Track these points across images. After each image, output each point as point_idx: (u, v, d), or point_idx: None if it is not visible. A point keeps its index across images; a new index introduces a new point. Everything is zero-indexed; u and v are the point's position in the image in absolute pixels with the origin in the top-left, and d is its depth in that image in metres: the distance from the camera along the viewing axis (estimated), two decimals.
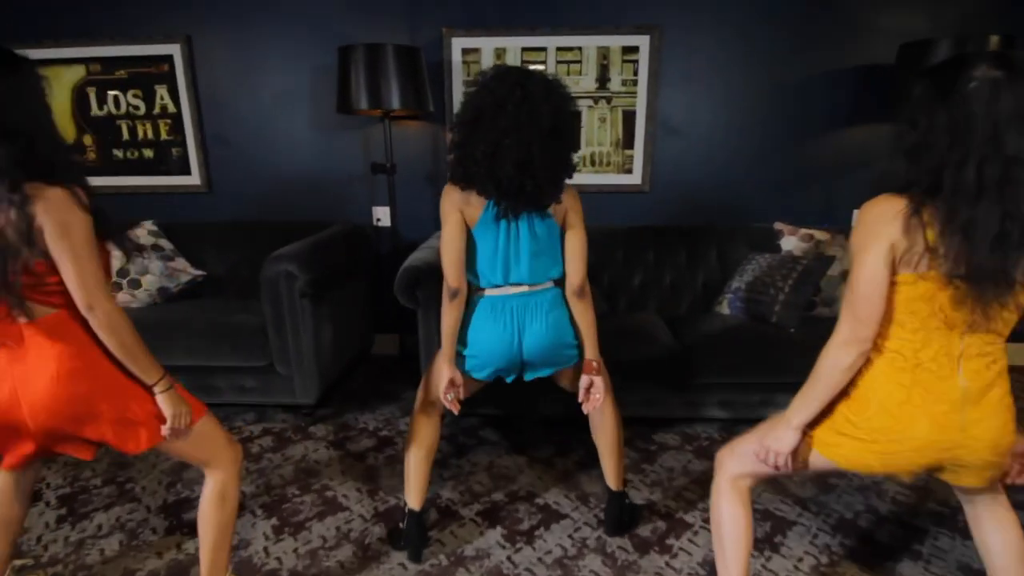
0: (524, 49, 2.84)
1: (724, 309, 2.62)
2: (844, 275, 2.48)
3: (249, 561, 1.68)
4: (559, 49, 2.84)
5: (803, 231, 2.67)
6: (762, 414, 2.35)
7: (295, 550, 1.73)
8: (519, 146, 1.35)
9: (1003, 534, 1.20)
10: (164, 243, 2.83)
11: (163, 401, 1.23)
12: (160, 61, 2.97)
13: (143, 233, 2.82)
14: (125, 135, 3.10)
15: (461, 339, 1.55)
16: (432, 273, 2.15)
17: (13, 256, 1.06)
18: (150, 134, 3.09)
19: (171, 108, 3.04)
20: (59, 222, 1.08)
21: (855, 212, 2.96)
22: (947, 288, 1.00)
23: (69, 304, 1.15)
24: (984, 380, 1.05)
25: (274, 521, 1.86)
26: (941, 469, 1.12)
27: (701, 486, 2.05)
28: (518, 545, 1.75)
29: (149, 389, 1.22)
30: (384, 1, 2.83)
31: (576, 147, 1.53)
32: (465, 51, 2.86)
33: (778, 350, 2.29)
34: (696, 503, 1.96)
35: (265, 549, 1.73)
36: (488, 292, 1.54)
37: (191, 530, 1.81)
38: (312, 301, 2.32)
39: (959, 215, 0.95)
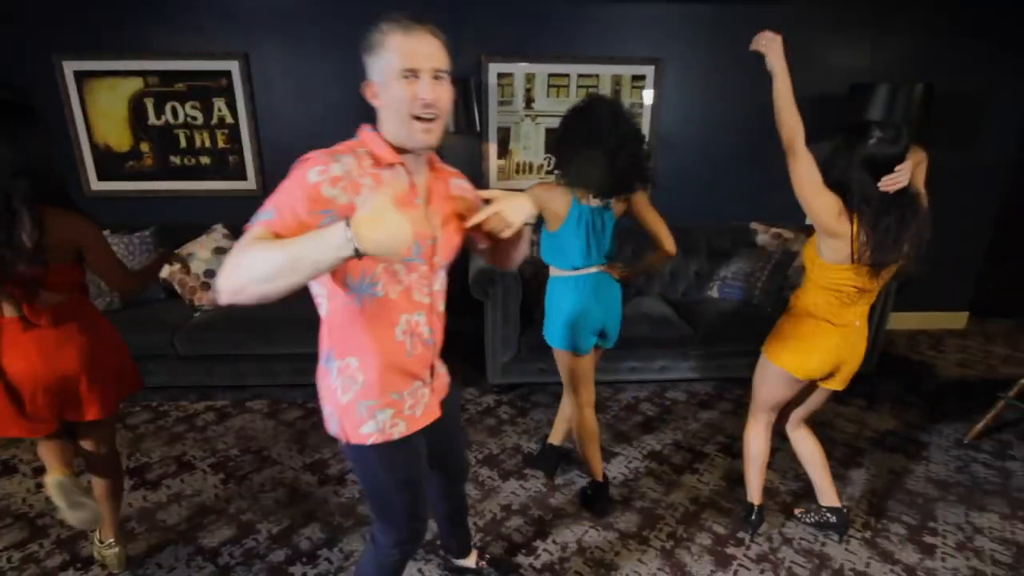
0: (550, 75, 3.35)
1: (715, 293, 3.32)
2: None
3: None
4: (580, 75, 3.36)
5: (773, 230, 3.38)
6: (750, 373, 3.10)
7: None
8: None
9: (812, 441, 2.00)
10: None
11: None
12: (219, 76, 3.25)
13: (217, 237, 3.16)
14: (183, 143, 3.36)
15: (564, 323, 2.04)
16: (503, 274, 2.71)
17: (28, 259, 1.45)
18: (207, 143, 3.38)
19: (228, 119, 3.34)
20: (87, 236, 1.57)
21: None
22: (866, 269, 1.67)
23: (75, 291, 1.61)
24: (863, 318, 1.78)
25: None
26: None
27: (708, 427, 2.76)
28: None
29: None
30: None
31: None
32: (500, 75, 3.33)
33: (760, 325, 3.00)
34: (708, 440, 2.66)
35: None
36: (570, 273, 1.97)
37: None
38: None
39: (883, 228, 1.60)
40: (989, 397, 2.77)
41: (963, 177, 3.66)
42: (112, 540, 1.84)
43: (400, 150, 1.15)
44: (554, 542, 2.04)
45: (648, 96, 3.43)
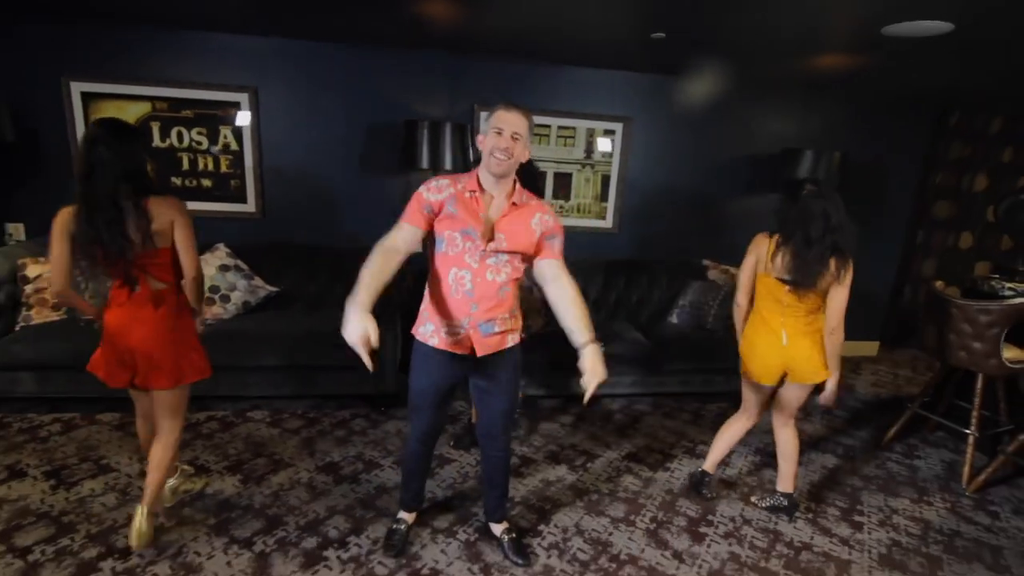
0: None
1: (674, 319, 3.78)
2: None
3: None
4: (559, 127, 3.83)
5: (722, 267, 3.92)
6: (708, 389, 3.55)
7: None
8: None
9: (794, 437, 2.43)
10: (241, 263, 3.35)
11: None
12: (228, 106, 3.47)
13: (221, 255, 3.32)
14: (185, 165, 3.53)
15: None
16: None
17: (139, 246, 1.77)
18: (211, 166, 3.56)
19: (233, 146, 3.54)
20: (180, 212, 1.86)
21: None
22: (782, 285, 2.18)
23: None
24: (797, 332, 2.22)
25: None
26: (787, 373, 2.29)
27: (673, 434, 3.16)
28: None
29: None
30: (431, 82, 3.62)
31: None
32: None
33: (713, 346, 3.49)
34: (674, 444, 3.05)
35: None
36: None
37: None
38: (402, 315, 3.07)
39: (800, 253, 2.12)
40: (898, 410, 3.33)
41: (872, 227, 4.39)
42: (146, 511, 1.97)
43: (481, 185, 1.79)
44: (556, 526, 2.33)
45: (604, 144, 3.92)
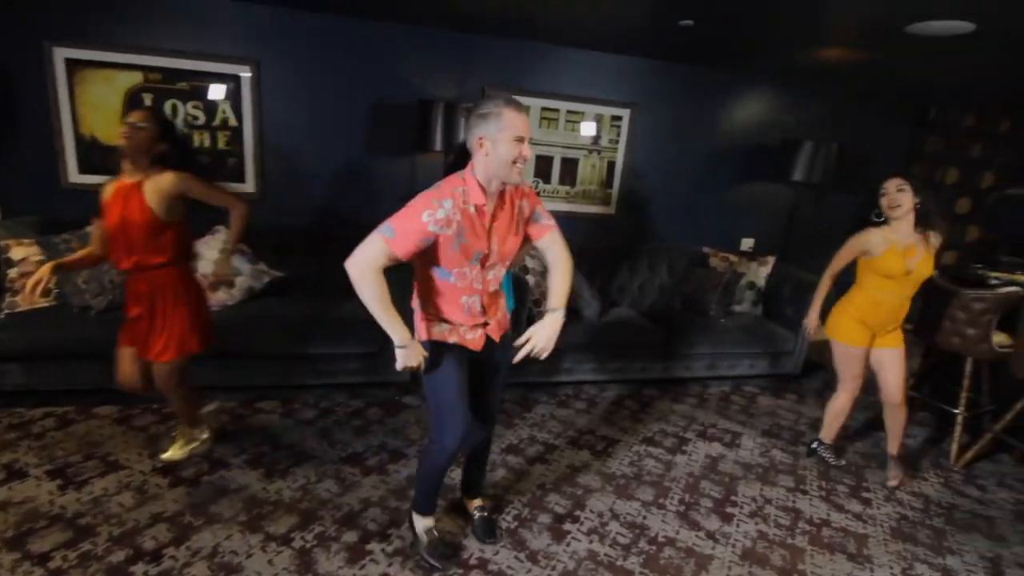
0: (543, 108, 3.75)
1: (676, 304, 3.86)
2: (749, 284, 3.87)
3: None
4: (568, 111, 3.80)
5: (722, 254, 4.01)
6: (711, 373, 3.65)
7: None
8: None
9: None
10: (244, 247, 3.20)
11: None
12: (227, 79, 3.27)
13: (222, 238, 3.16)
14: None
15: None
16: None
17: None
18: (207, 143, 3.36)
19: (232, 122, 3.35)
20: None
21: (743, 240, 4.43)
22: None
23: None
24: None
25: None
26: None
27: (684, 418, 3.24)
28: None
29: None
30: (440, 61, 3.52)
31: None
32: None
33: (717, 333, 3.58)
34: (686, 428, 3.14)
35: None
36: None
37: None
38: None
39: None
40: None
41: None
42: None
43: (484, 191, 1.64)
44: (591, 511, 2.36)
45: (589, 128, 3.90)
